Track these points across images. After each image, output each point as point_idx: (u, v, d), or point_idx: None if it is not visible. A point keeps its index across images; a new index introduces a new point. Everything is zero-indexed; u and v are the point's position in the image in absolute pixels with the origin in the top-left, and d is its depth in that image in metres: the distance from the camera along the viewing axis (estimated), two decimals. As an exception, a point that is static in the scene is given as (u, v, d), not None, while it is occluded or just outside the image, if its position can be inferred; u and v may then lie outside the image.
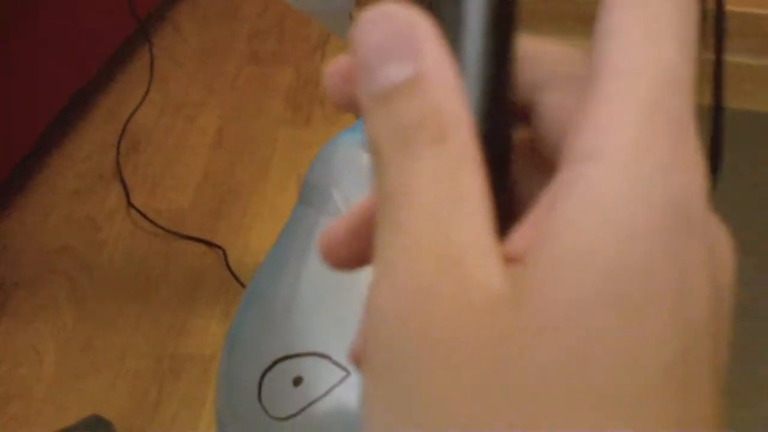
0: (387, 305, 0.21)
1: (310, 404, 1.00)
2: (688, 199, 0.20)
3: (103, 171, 1.94)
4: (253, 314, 1.19)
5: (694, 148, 0.21)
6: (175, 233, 1.79)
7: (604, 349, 0.19)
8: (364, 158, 1.13)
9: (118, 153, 1.96)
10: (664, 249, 0.19)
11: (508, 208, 0.23)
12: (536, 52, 0.25)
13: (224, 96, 2.08)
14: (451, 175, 0.21)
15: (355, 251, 0.26)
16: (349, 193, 1.10)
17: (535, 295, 0.19)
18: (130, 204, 1.86)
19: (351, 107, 0.24)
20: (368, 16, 0.22)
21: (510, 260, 0.21)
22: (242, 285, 1.66)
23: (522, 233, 0.22)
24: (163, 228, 1.80)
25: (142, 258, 1.77)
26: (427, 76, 0.22)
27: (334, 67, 0.24)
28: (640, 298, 0.19)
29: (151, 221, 1.81)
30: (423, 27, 0.22)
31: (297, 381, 1.08)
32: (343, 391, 0.97)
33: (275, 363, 1.11)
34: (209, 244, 1.76)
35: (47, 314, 1.69)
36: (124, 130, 2.00)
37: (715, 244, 0.22)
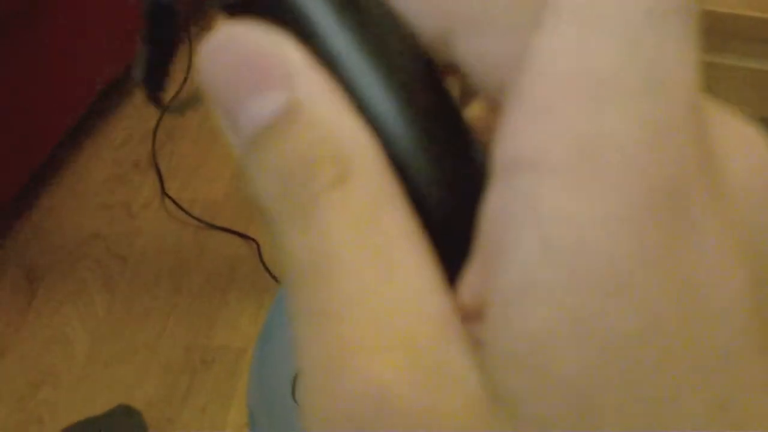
0: (336, 416, 0.16)
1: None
2: (674, 176, 0.15)
3: (138, 159, 1.94)
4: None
5: (682, 95, 0.16)
6: (209, 224, 1.79)
7: None
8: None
9: (154, 141, 1.96)
10: (654, 283, 0.15)
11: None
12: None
13: (261, 87, 2.07)
14: (372, 225, 0.16)
15: None
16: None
17: (509, 400, 0.15)
18: (164, 193, 1.85)
19: None
20: (213, 43, 0.17)
21: (468, 317, 0.17)
22: (275, 279, 1.65)
23: (472, 277, 0.17)
24: (197, 219, 1.80)
25: (176, 248, 1.77)
26: (305, 102, 0.17)
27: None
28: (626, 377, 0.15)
29: (185, 211, 1.81)
30: (284, 44, 0.17)
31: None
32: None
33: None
34: (243, 236, 1.76)
35: (78, 301, 1.69)
36: (160, 118, 1.99)
37: (732, 169, 0.16)
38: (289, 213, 0.17)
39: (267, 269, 1.68)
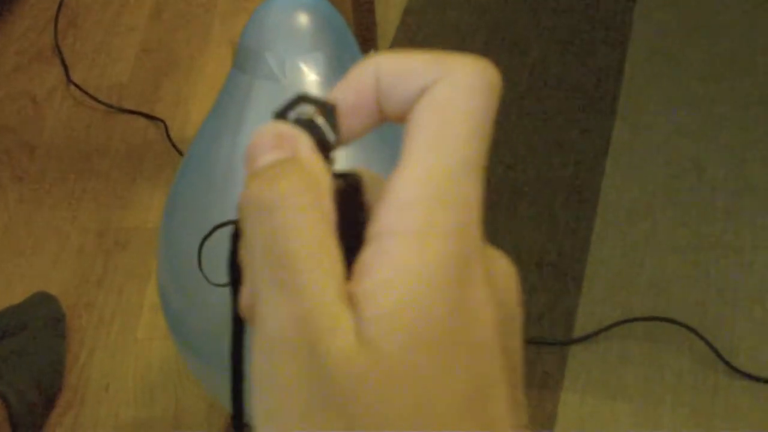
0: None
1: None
2: (466, 251, 0.26)
3: (41, 48, 1.90)
4: (191, 182, 1.17)
5: (473, 216, 0.27)
6: (116, 108, 1.76)
7: (419, 385, 0.25)
8: (299, 20, 1.10)
9: (55, 29, 1.91)
10: (451, 298, 0.26)
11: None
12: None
13: (164, -33, 2.02)
14: (324, 235, 0.26)
15: None
16: (282, 55, 1.07)
17: (373, 348, 0.25)
18: (69, 80, 1.82)
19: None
20: (260, 128, 0.29)
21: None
22: (183, 155, 1.64)
23: (351, 282, 0.27)
24: (103, 103, 1.77)
25: (84, 134, 1.74)
26: (303, 158, 0.28)
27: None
28: (437, 344, 0.25)
29: (91, 96, 1.78)
30: (299, 136, 0.29)
31: (236, 247, 1.07)
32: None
33: (215, 229, 1.10)
34: (150, 117, 1.74)
35: (-12, 193, 1.67)
36: (60, 5, 1.95)
37: (496, 274, 0.28)
38: (273, 215, 0.26)
39: (176, 148, 1.67)
